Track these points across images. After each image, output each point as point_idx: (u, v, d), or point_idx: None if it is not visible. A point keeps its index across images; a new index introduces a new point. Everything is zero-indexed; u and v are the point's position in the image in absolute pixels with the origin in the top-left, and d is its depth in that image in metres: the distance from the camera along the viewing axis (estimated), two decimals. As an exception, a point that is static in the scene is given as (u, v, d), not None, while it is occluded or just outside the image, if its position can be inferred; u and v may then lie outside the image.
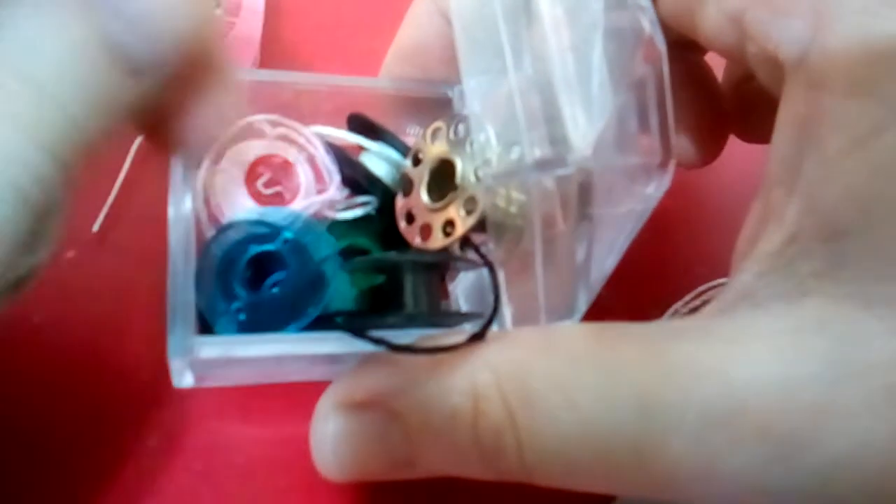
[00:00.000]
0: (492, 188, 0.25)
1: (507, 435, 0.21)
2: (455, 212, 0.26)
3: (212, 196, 0.28)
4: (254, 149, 0.29)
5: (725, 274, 0.24)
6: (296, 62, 0.37)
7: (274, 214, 0.28)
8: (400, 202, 0.29)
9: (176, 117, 0.20)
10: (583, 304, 0.26)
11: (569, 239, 0.25)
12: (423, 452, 0.23)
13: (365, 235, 0.30)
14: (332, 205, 0.29)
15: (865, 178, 0.20)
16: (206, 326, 0.26)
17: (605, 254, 0.26)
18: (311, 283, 0.26)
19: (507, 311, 0.26)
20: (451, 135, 0.27)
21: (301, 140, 0.29)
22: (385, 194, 0.30)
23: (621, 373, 0.21)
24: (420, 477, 0.23)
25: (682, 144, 0.28)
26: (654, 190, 0.26)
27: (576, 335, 0.22)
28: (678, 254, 0.37)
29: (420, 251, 0.28)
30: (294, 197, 0.29)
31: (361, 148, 0.31)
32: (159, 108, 0.19)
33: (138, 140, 0.32)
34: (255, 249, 0.27)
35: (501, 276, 0.26)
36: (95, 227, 0.31)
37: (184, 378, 0.24)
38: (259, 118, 0.29)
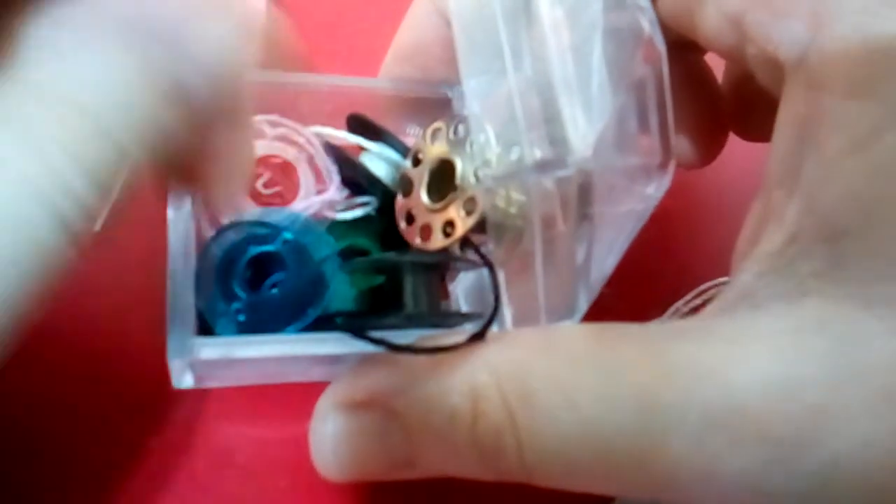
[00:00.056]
0: (491, 189, 0.25)
1: (506, 435, 0.21)
2: (455, 212, 0.26)
3: (211, 197, 0.28)
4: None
5: (725, 273, 0.24)
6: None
7: (273, 215, 0.28)
8: (400, 203, 0.29)
9: (202, 161, 0.20)
10: (583, 305, 0.26)
11: (569, 239, 0.25)
12: (422, 452, 0.23)
13: (365, 236, 0.30)
14: (331, 205, 0.29)
15: (865, 179, 0.20)
16: (205, 327, 0.26)
17: (606, 254, 0.26)
18: (311, 283, 0.26)
19: (507, 311, 0.26)
20: (451, 135, 0.27)
21: (301, 140, 0.29)
22: (385, 195, 0.30)
23: (621, 373, 0.21)
24: (420, 477, 0.23)
25: (682, 145, 0.28)
26: (654, 190, 0.26)
27: (576, 335, 0.22)
28: (678, 253, 0.37)
29: (420, 252, 0.28)
30: (294, 197, 0.29)
31: (361, 148, 0.31)
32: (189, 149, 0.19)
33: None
34: (255, 250, 0.27)
35: (501, 276, 0.26)
36: (97, 227, 0.31)
37: (183, 379, 0.24)
38: (259, 119, 0.29)
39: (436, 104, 0.31)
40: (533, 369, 0.21)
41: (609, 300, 0.27)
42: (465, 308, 0.30)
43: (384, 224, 0.30)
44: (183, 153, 0.18)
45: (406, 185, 0.29)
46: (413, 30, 0.31)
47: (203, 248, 0.26)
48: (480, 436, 0.21)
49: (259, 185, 0.29)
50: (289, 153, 0.29)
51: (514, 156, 0.25)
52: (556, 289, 0.25)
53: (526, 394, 0.21)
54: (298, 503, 0.29)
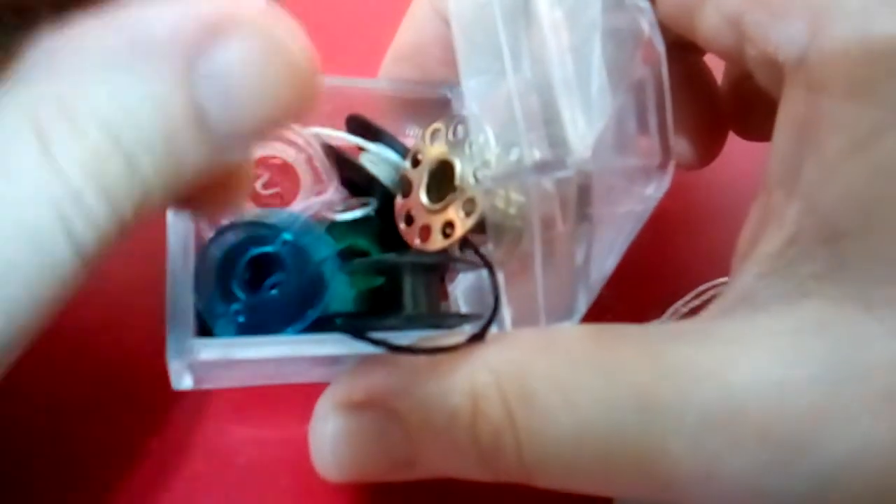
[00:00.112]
0: (491, 189, 0.25)
1: (506, 435, 0.21)
2: (454, 213, 0.26)
3: (211, 197, 0.28)
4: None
5: (725, 273, 0.24)
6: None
7: (273, 216, 0.27)
8: (399, 203, 0.29)
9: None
10: (582, 305, 0.26)
11: (568, 240, 0.25)
12: (422, 453, 0.23)
13: (364, 237, 0.30)
14: (330, 206, 0.29)
15: (865, 180, 0.20)
16: (205, 328, 0.26)
17: (605, 254, 0.26)
18: (311, 284, 0.26)
19: (506, 312, 0.26)
20: (450, 136, 0.27)
21: (300, 141, 0.29)
22: (384, 195, 0.30)
23: (621, 374, 0.21)
24: (419, 478, 0.23)
25: (681, 146, 0.28)
26: (653, 191, 0.26)
27: (575, 336, 0.22)
28: (678, 254, 0.37)
29: (419, 252, 0.28)
30: (293, 198, 0.29)
31: (360, 149, 0.31)
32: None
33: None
34: (254, 251, 0.27)
35: (501, 277, 0.26)
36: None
37: (183, 380, 0.24)
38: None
39: (435, 105, 0.31)
40: (532, 370, 0.21)
41: (608, 301, 0.27)
42: (464, 309, 0.30)
43: (383, 225, 0.30)
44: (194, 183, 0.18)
45: (405, 186, 0.29)
46: (412, 30, 0.31)
47: (202, 249, 0.26)
48: (480, 436, 0.21)
49: (258, 185, 0.29)
50: (288, 154, 0.29)
51: (513, 156, 0.25)
52: (556, 289, 0.25)
53: (525, 394, 0.21)
54: (298, 504, 0.29)
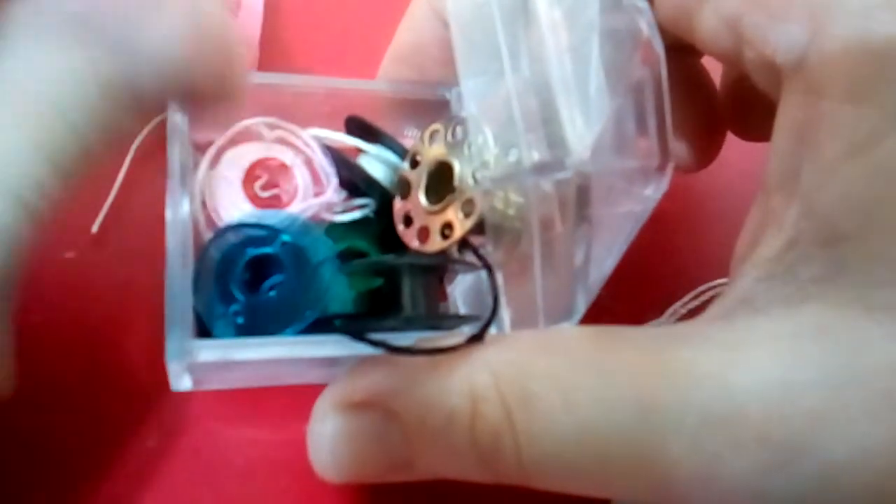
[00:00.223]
0: (490, 190, 0.25)
1: (504, 437, 0.21)
2: (453, 214, 0.26)
3: (209, 199, 0.28)
4: (251, 152, 0.29)
5: (723, 275, 0.24)
6: (295, 62, 0.37)
7: (272, 217, 0.27)
8: (398, 205, 0.29)
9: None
10: (581, 306, 0.26)
11: (567, 241, 0.25)
12: (420, 454, 0.23)
13: (363, 238, 0.30)
14: (329, 207, 0.29)
15: (864, 184, 0.20)
16: (204, 329, 0.26)
17: (604, 256, 0.26)
18: (309, 285, 0.26)
19: (505, 313, 0.26)
20: (449, 137, 0.27)
21: (298, 143, 0.29)
22: (383, 197, 0.30)
23: (620, 375, 0.21)
24: (418, 479, 0.23)
25: (679, 148, 0.28)
26: (652, 192, 0.26)
27: (574, 337, 0.22)
28: (676, 255, 0.37)
29: (418, 254, 0.27)
30: (292, 199, 0.29)
31: (359, 150, 0.31)
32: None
33: (138, 141, 0.32)
34: (253, 252, 0.27)
35: (500, 278, 0.26)
36: (94, 228, 0.31)
37: (182, 381, 0.24)
38: (256, 121, 0.29)
39: (434, 106, 0.31)
40: (531, 371, 0.21)
41: (607, 302, 0.27)
42: (463, 310, 0.30)
43: (382, 226, 0.30)
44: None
45: (404, 187, 0.29)
46: (411, 31, 0.31)
47: (201, 251, 0.26)
48: (478, 437, 0.21)
49: (257, 187, 0.29)
50: (287, 155, 0.29)
51: (512, 157, 0.25)
52: (555, 290, 0.25)
53: (524, 395, 0.21)
54: (297, 505, 0.29)
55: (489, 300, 0.25)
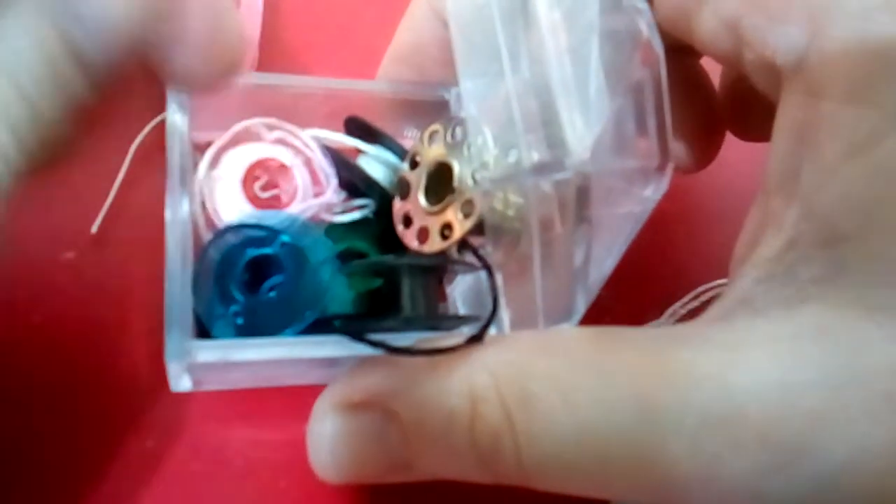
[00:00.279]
0: (489, 191, 0.25)
1: (504, 437, 0.21)
2: (452, 215, 0.26)
3: (209, 200, 0.28)
4: (251, 152, 0.29)
5: (723, 275, 0.24)
6: (295, 62, 0.37)
7: (271, 218, 0.27)
8: (397, 205, 0.29)
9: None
10: (581, 307, 0.26)
11: (567, 242, 0.25)
12: (420, 454, 0.23)
13: (362, 239, 0.30)
14: (329, 208, 0.29)
15: (864, 184, 0.20)
16: (203, 330, 0.26)
17: (604, 256, 0.26)
18: (309, 286, 0.26)
19: (505, 313, 0.26)
20: (449, 138, 0.27)
21: (298, 143, 0.29)
22: (382, 197, 0.30)
23: (620, 376, 0.21)
24: (417, 479, 0.23)
25: (678, 149, 0.28)
26: (651, 192, 0.26)
27: (574, 338, 0.22)
28: (676, 256, 0.37)
29: (417, 254, 0.28)
30: (291, 200, 0.29)
31: (358, 151, 0.31)
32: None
33: (137, 141, 0.32)
34: (253, 253, 0.27)
35: (499, 278, 0.26)
36: (94, 229, 0.31)
37: (181, 382, 0.24)
38: (256, 122, 0.29)
39: (433, 106, 0.31)
40: (531, 371, 0.21)
41: (607, 302, 0.27)
42: (462, 311, 0.30)
43: (382, 227, 0.30)
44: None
45: (403, 188, 0.29)
46: (410, 31, 0.31)
47: (201, 251, 0.26)
48: (478, 438, 0.21)
49: (257, 187, 0.29)
50: (286, 156, 0.29)
51: (511, 158, 0.25)
52: (554, 291, 0.25)
53: (524, 396, 0.21)
54: (296, 505, 0.29)
55: (489, 301, 0.25)
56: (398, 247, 0.28)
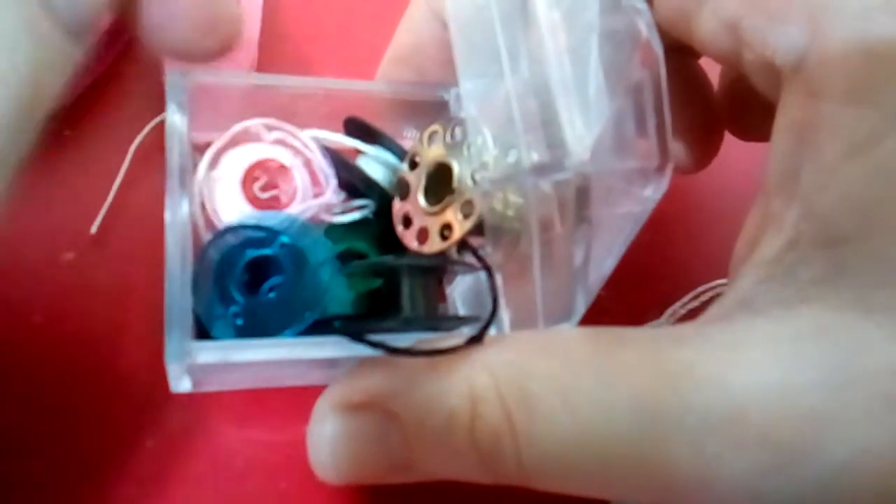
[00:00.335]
0: (489, 192, 0.25)
1: (504, 438, 0.21)
2: (452, 215, 0.26)
3: (208, 200, 0.28)
4: (250, 153, 0.29)
5: (722, 275, 0.24)
6: (294, 62, 0.37)
7: (271, 218, 0.27)
8: (397, 206, 0.29)
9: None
10: (581, 307, 0.26)
11: (566, 242, 0.25)
12: (420, 455, 0.23)
13: (362, 239, 0.30)
14: (328, 208, 0.29)
15: (864, 185, 0.20)
16: (203, 331, 0.26)
17: (603, 256, 0.26)
18: (309, 287, 0.26)
19: (504, 314, 0.26)
20: (448, 138, 0.27)
21: (297, 144, 0.29)
22: (382, 198, 0.30)
23: (620, 376, 0.21)
24: (417, 480, 0.23)
25: (677, 150, 0.28)
26: (651, 192, 0.26)
27: (574, 338, 0.22)
28: (675, 256, 0.37)
29: (417, 255, 0.27)
30: (291, 201, 0.29)
31: (358, 151, 0.31)
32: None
33: (137, 142, 0.32)
34: (252, 254, 0.27)
35: (499, 279, 0.26)
36: (94, 229, 0.31)
37: (181, 383, 0.24)
38: (255, 122, 0.29)
39: (433, 107, 0.31)
40: (531, 372, 0.21)
41: (606, 302, 0.27)
42: (462, 311, 0.30)
43: (381, 227, 0.30)
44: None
45: (403, 189, 0.29)
46: (410, 32, 0.31)
47: (200, 252, 0.26)
48: (478, 438, 0.21)
49: (256, 188, 0.29)
50: (285, 157, 0.29)
51: (511, 158, 0.25)
52: (554, 291, 0.25)
53: (524, 396, 0.21)
54: (296, 506, 0.29)
55: (488, 301, 0.25)
56: (398, 247, 0.28)
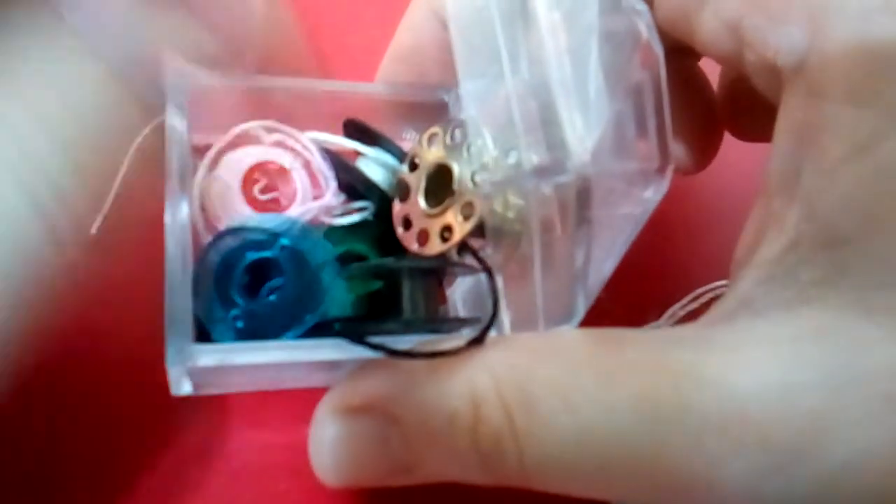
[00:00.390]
0: (489, 193, 0.25)
1: (506, 440, 0.21)
2: (452, 217, 0.26)
3: (208, 203, 0.28)
4: (250, 155, 0.29)
5: (723, 277, 0.24)
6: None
7: (271, 221, 0.27)
8: (397, 208, 0.29)
9: None
10: (581, 308, 0.26)
11: (567, 243, 0.25)
12: (421, 458, 0.23)
13: (362, 241, 0.30)
14: (328, 211, 0.29)
15: (865, 186, 0.20)
16: (203, 334, 0.26)
17: (604, 258, 0.26)
18: (309, 289, 0.26)
19: (505, 315, 0.26)
20: (448, 139, 0.27)
21: (297, 146, 0.29)
22: (382, 200, 0.29)
23: (621, 378, 0.21)
24: (418, 483, 0.23)
25: (677, 150, 0.28)
26: (651, 194, 0.26)
27: (575, 340, 0.22)
28: (676, 257, 0.37)
29: (417, 257, 0.27)
30: (290, 203, 0.29)
31: (358, 153, 0.31)
32: None
33: (136, 142, 0.32)
34: (252, 256, 0.27)
35: (500, 280, 0.26)
36: (94, 229, 0.31)
37: (182, 386, 0.24)
38: (255, 124, 0.29)
39: (432, 108, 0.31)
40: (532, 373, 0.21)
41: (606, 304, 0.27)
42: (463, 313, 0.30)
43: (381, 229, 0.30)
44: None
45: (403, 190, 0.29)
46: (410, 32, 0.31)
47: (200, 254, 0.26)
48: (479, 440, 0.21)
49: (256, 190, 0.29)
50: (285, 159, 0.29)
51: (511, 160, 0.25)
52: (555, 293, 0.25)
53: (525, 398, 0.21)
54: (296, 509, 0.29)
55: (489, 303, 0.25)
56: (398, 249, 0.28)
